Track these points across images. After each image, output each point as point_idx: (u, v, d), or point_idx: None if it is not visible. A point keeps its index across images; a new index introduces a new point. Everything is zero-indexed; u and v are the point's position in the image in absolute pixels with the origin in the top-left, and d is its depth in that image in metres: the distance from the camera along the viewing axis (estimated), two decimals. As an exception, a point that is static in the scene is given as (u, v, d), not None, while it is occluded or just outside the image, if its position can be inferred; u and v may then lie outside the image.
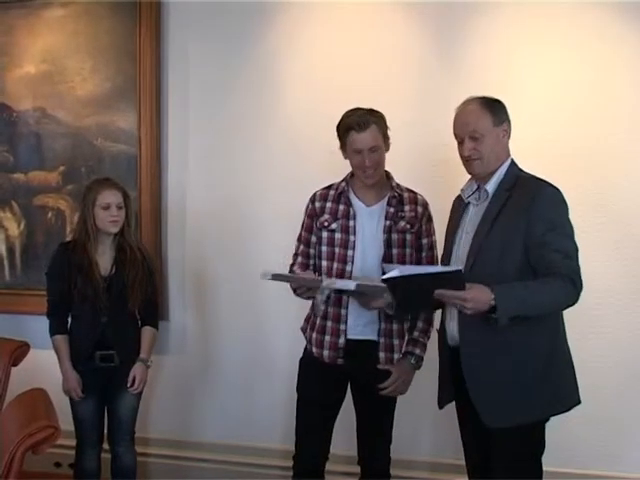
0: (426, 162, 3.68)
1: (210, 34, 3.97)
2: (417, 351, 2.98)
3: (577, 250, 2.54)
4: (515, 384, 2.53)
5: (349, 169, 3.05)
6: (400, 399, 3.13)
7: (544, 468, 2.67)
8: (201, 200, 4.04)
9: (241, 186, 3.96)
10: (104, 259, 3.33)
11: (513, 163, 2.69)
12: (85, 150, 4.12)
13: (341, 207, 3.01)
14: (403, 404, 3.16)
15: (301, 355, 3.18)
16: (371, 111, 2.92)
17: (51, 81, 4.15)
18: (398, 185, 3.04)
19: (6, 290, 4.26)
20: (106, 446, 3.47)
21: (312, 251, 3.08)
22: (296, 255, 3.12)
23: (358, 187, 3.03)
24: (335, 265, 2.97)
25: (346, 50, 3.79)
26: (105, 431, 3.45)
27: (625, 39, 3.51)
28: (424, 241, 3.02)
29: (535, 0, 3.56)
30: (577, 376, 2.67)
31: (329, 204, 3.04)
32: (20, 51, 4.19)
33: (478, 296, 2.41)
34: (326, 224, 3.01)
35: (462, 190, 2.75)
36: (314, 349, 3.06)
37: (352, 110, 2.94)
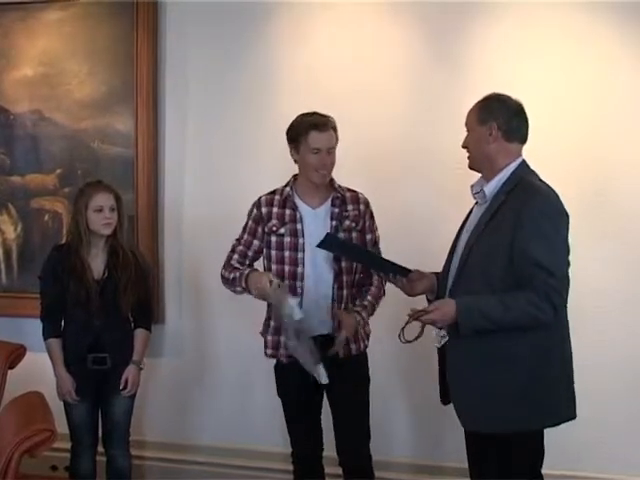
0: (426, 165, 3.69)
1: (207, 37, 3.97)
2: (364, 314, 3.03)
3: (566, 264, 2.49)
4: (493, 392, 2.50)
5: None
6: (385, 400, 3.13)
7: (543, 471, 2.65)
8: (198, 203, 4.04)
9: (238, 189, 3.95)
10: (97, 262, 3.33)
11: (522, 167, 2.61)
12: (82, 153, 4.12)
13: (287, 211, 3.08)
14: (388, 405, 3.17)
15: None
16: (326, 115, 3.02)
17: (48, 84, 4.15)
18: (340, 186, 3.11)
19: (3, 293, 4.26)
20: (101, 449, 3.46)
21: (250, 254, 3.16)
22: (232, 252, 3.19)
23: (302, 190, 3.09)
24: (287, 268, 3.04)
25: (346, 53, 3.80)
26: (100, 434, 3.45)
27: (627, 39, 3.52)
28: (368, 237, 3.12)
29: (537, 6, 3.57)
30: (575, 378, 2.63)
31: (275, 209, 3.10)
32: (17, 54, 4.19)
33: (445, 313, 2.50)
34: (274, 229, 3.08)
35: (471, 186, 2.71)
36: (269, 351, 3.15)
37: (307, 113, 3.03)
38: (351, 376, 3.07)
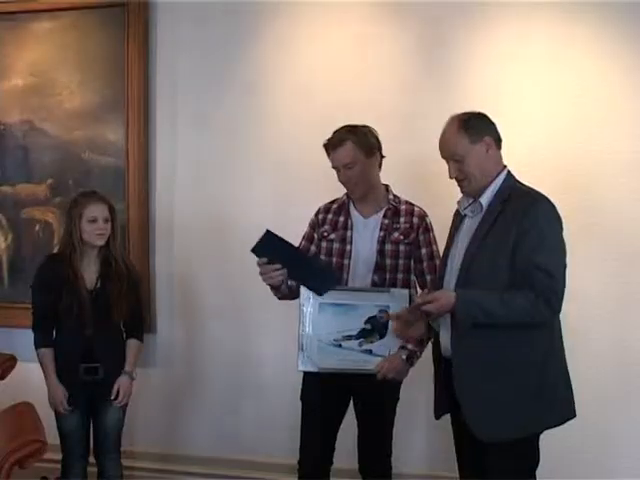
0: (418, 175, 3.69)
1: (198, 47, 3.98)
2: (409, 346, 2.96)
3: (564, 268, 2.53)
4: (507, 398, 2.51)
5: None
6: (399, 411, 3.13)
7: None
8: (189, 212, 4.04)
9: (229, 199, 3.96)
10: (89, 272, 3.32)
11: (510, 175, 2.66)
12: (73, 163, 4.12)
13: (341, 219, 3.11)
14: (402, 417, 3.16)
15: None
16: (353, 128, 3.01)
17: (39, 94, 4.15)
18: (395, 198, 3.11)
19: (-7, 303, 4.24)
20: (92, 459, 3.44)
21: None
22: None
23: (357, 199, 3.11)
24: None
25: (339, 56, 3.82)
26: (91, 444, 3.43)
27: (620, 52, 3.54)
28: (423, 251, 3.07)
29: (526, 11, 3.60)
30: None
31: (330, 216, 3.15)
32: (8, 64, 4.19)
33: (442, 303, 2.53)
34: (325, 234, 3.12)
35: (458, 202, 2.74)
36: None
37: (340, 127, 3.03)
38: (383, 392, 3.04)
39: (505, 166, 2.67)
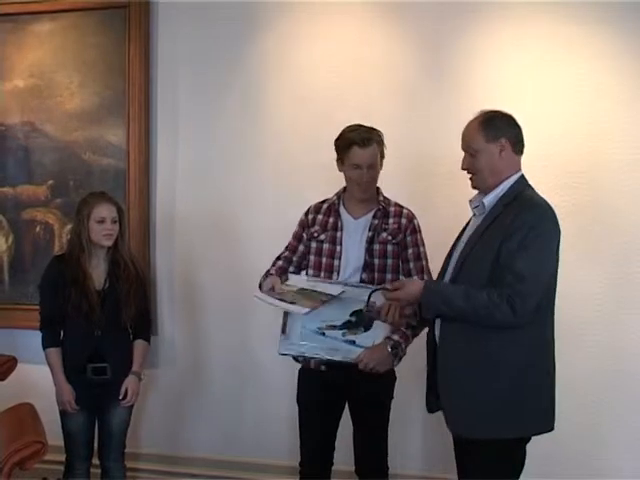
0: (415, 176, 3.70)
1: (199, 49, 3.98)
2: (395, 337, 2.95)
3: (540, 275, 2.48)
4: (483, 398, 2.50)
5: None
6: (394, 412, 3.13)
7: (525, 479, 2.63)
8: (189, 213, 4.03)
9: (229, 199, 3.96)
10: (98, 272, 3.33)
11: (521, 180, 2.63)
12: (74, 164, 4.12)
13: (331, 219, 3.12)
14: (397, 417, 3.16)
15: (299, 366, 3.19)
16: (373, 130, 3.01)
17: (40, 95, 4.15)
18: (385, 199, 3.12)
19: (-6, 305, 4.24)
20: (95, 461, 3.43)
21: (295, 259, 3.20)
22: (278, 259, 3.23)
23: (348, 201, 3.12)
24: (322, 274, 3.08)
25: (337, 59, 3.82)
26: (95, 446, 3.42)
27: (619, 52, 3.54)
28: (410, 251, 3.08)
29: (524, 13, 3.59)
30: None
31: (320, 216, 3.15)
32: (8, 65, 4.19)
33: (408, 292, 2.63)
34: (315, 235, 3.13)
35: (470, 201, 2.73)
36: (300, 357, 3.11)
37: (355, 126, 3.02)
38: (377, 392, 3.05)
39: (519, 170, 2.65)
